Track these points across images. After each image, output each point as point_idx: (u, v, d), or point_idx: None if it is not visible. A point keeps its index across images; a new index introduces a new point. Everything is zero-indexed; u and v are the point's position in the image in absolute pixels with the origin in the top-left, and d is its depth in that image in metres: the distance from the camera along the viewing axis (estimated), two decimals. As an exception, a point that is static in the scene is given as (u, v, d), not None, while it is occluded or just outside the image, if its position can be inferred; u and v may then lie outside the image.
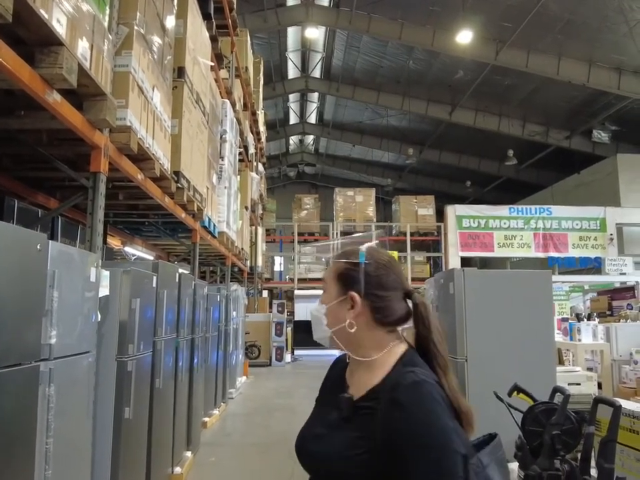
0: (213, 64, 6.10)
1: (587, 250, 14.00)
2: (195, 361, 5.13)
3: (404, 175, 23.26)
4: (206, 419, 6.53)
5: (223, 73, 7.61)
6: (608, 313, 11.43)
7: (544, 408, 2.38)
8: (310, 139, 23.92)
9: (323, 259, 15.43)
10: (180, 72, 4.70)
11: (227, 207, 6.77)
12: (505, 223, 14.75)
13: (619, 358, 7.11)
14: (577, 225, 14.36)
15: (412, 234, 16.49)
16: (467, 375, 3.26)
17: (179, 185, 4.46)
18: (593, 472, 2.10)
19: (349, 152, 23.16)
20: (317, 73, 17.67)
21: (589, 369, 6.72)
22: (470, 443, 1.02)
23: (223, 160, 6.56)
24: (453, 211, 15.05)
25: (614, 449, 1.90)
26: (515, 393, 2.61)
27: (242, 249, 8.78)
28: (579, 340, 7.47)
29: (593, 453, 2.04)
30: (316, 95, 19.34)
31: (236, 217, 7.81)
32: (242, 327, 9.96)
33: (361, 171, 24.45)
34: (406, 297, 1.12)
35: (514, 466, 2.54)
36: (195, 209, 5.00)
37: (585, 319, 9.02)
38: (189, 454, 5.00)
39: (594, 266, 13.87)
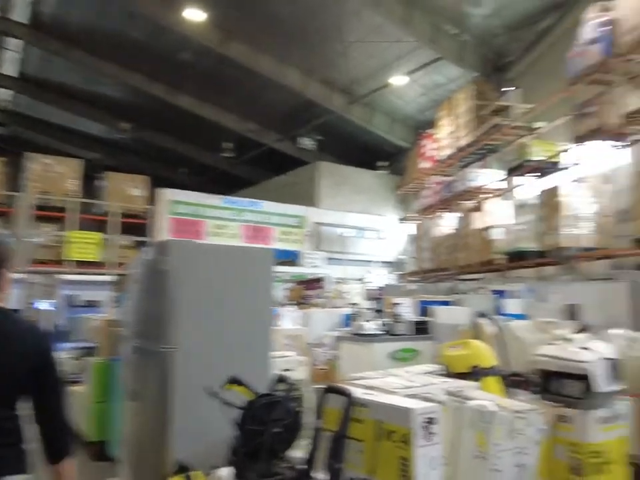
0: None
1: (289, 244, 15.11)
2: None
3: (116, 151, 21.41)
4: None
5: None
6: (302, 301, 12.52)
7: (265, 402, 2.06)
8: (2, 93, 19.90)
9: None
10: None
11: None
12: (217, 213, 14.83)
13: (312, 342, 7.62)
14: (281, 220, 15.38)
15: (121, 215, 15.14)
16: (176, 367, 2.74)
17: None
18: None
19: (53, 116, 20.12)
20: (21, 17, 14.67)
21: (288, 354, 6.99)
22: None
23: None
24: (167, 195, 14.44)
25: (345, 445, 1.68)
26: (232, 385, 2.23)
27: None
28: (280, 325, 7.77)
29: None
30: (17, 42, 16.09)
31: None
32: None
33: (66, 141, 21.54)
34: None
35: (224, 472, 2.15)
36: None
37: (285, 306, 9.56)
38: None
39: (293, 259, 15.05)
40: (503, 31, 11.49)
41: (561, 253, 7.89)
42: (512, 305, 6.14)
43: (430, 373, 2.83)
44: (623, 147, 7.75)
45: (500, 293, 6.82)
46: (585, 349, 2.22)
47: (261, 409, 2.01)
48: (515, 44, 11.71)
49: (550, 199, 8.21)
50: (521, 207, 9.07)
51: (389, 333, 5.53)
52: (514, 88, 10.37)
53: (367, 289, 11.73)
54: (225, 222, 14.83)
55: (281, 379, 2.23)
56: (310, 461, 1.77)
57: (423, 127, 14.21)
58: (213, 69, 14.22)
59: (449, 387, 2.25)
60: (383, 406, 1.81)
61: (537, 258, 8.47)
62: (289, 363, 3.55)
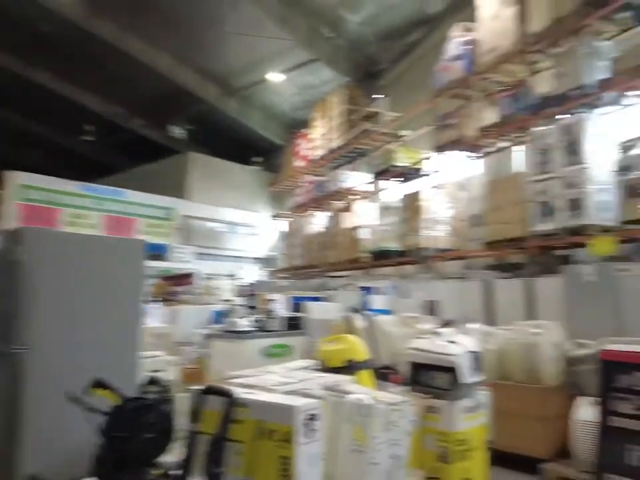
0: None
1: (155, 237, 14.40)
2: None
3: (-46, 127, 18.81)
4: None
5: None
6: (168, 297, 11.98)
7: (134, 406, 1.90)
8: None
9: None
10: None
11: None
12: (75, 200, 13.70)
13: (180, 340, 7.32)
14: (148, 211, 14.62)
15: (-43, 198, 13.31)
16: (29, 370, 2.43)
17: None
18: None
19: None
20: None
21: (154, 353, 6.63)
22: None
23: None
24: (16, 178, 12.99)
25: (224, 448, 1.60)
26: (96, 389, 2.02)
27: None
28: (146, 323, 7.35)
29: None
30: None
31: None
32: None
33: None
34: None
35: (87, 484, 1.95)
36: None
37: (150, 303, 9.09)
38: None
39: (160, 253, 14.38)
40: (375, 40, 12.01)
41: (420, 252, 8.48)
42: (378, 301, 6.44)
43: (305, 368, 2.85)
44: (478, 157, 8.52)
45: (367, 290, 7.13)
46: (452, 342, 2.38)
47: (130, 414, 1.86)
48: (385, 53, 12.29)
49: (412, 202, 8.77)
50: (385, 209, 9.58)
51: (262, 330, 5.49)
52: (383, 96, 10.92)
53: (238, 285, 11.59)
54: (83, 211, 13.73)
55: (152, 381, 2.08)
56: (185, 466, 1.66)
57: (296, 125, 14.38)
58: (76, 45, 13.03)
59: (326, 382, 2.26)
60: (264, 405, 1.76)
61: (399, 257, 9.02)
62: (158, 363, 3.34)
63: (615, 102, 6.25)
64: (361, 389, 2.16)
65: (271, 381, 2.41)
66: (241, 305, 6.57)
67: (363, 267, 10.00)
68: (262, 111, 15.41)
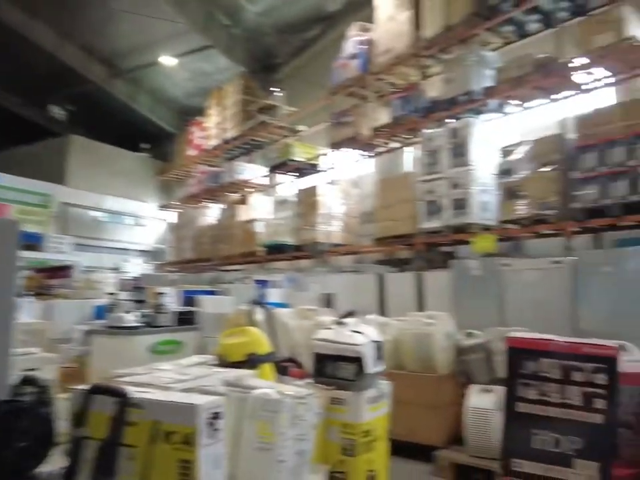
0: None
1: (29, 225, 13.18)
2: None
3: None
4: None
5: None
6: (42, 291, 10.99)
7: (6, 409, 1.64)
8: None
9: None
10: None
11: None
12: None
13: (57, 337, 6.71)
14: (22, 197, 13.36)
15: None
16: None
17: None
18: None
19: None
20: None
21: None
22: None
23: None
24: None
25: (117, 455, 1.42)
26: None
27: None
28: (18, 319, 6.66)
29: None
30: None
31: None
32: None
33: None
34: None
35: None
36: None
37: (21, 296, 8.28)
38: None
39: (34, 242, 13.16)
40: (273, 32, 11.90)
41: (315, 247, 8.55)
42: (274, 294, 6.38)
43: (201, 364, 2.69)
44: (370, 156, 8.75)
45: (263, 283, 7.03)
46: (357, 332, 2.37)
47: (2, 419, 1.61)
48: (283, 47, 12.23)
49: (307, 197, 8.81)
50: (280, 203, 9.54)
51: (150, 325, 5.17)
52: (279, 89, 10.85)
53: (122, 279, 10.90)
54: (-58, 194, 12.23)
55: (27, 381, 1.82)
56: (69, 476, 1.46)
57: (189, 112, 13.85)
58: None
59: (226, 377, 2.15)
60: (162, 404, 1.61)
61: (293, 251, 9.03)
62: (32, 362, 2.99)
63: (497, 109, 6.72)
64: (264, 384, 2.07)
65: (165, 378, 2.23)
66: (126, 299, 6.15)
67: (258, 260, 9.88)
68: (152, 96, 14.65)
